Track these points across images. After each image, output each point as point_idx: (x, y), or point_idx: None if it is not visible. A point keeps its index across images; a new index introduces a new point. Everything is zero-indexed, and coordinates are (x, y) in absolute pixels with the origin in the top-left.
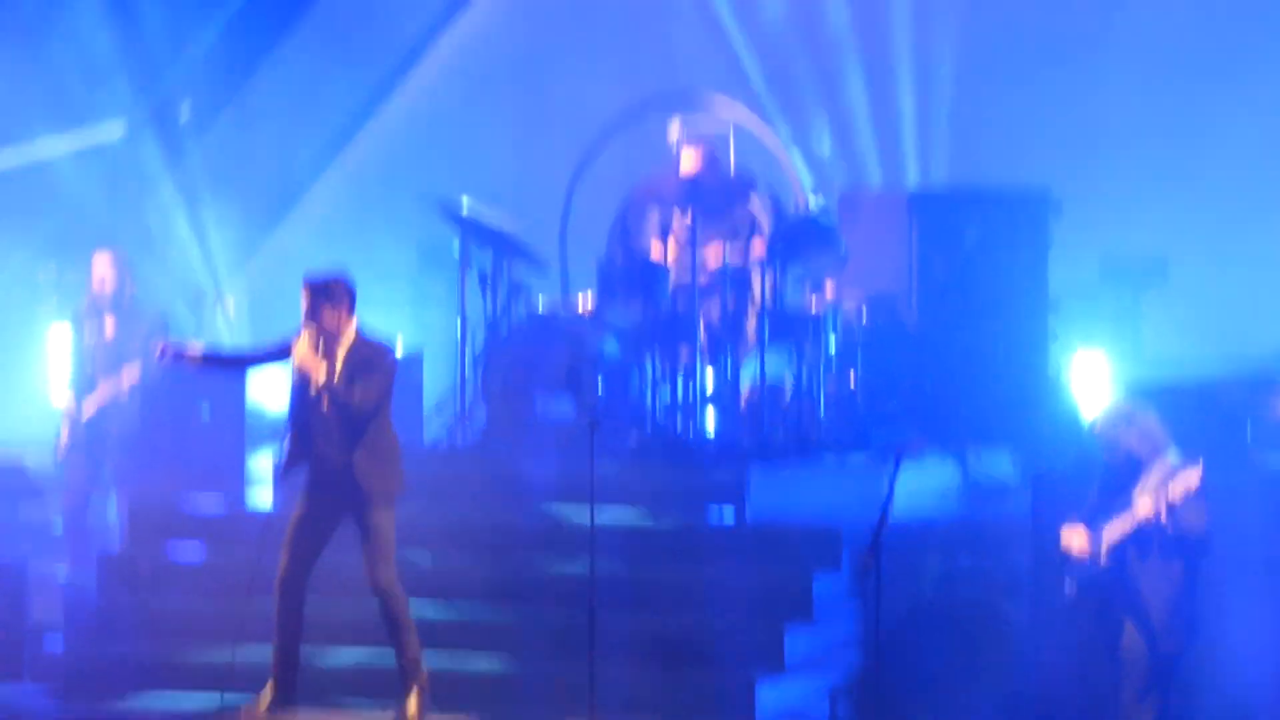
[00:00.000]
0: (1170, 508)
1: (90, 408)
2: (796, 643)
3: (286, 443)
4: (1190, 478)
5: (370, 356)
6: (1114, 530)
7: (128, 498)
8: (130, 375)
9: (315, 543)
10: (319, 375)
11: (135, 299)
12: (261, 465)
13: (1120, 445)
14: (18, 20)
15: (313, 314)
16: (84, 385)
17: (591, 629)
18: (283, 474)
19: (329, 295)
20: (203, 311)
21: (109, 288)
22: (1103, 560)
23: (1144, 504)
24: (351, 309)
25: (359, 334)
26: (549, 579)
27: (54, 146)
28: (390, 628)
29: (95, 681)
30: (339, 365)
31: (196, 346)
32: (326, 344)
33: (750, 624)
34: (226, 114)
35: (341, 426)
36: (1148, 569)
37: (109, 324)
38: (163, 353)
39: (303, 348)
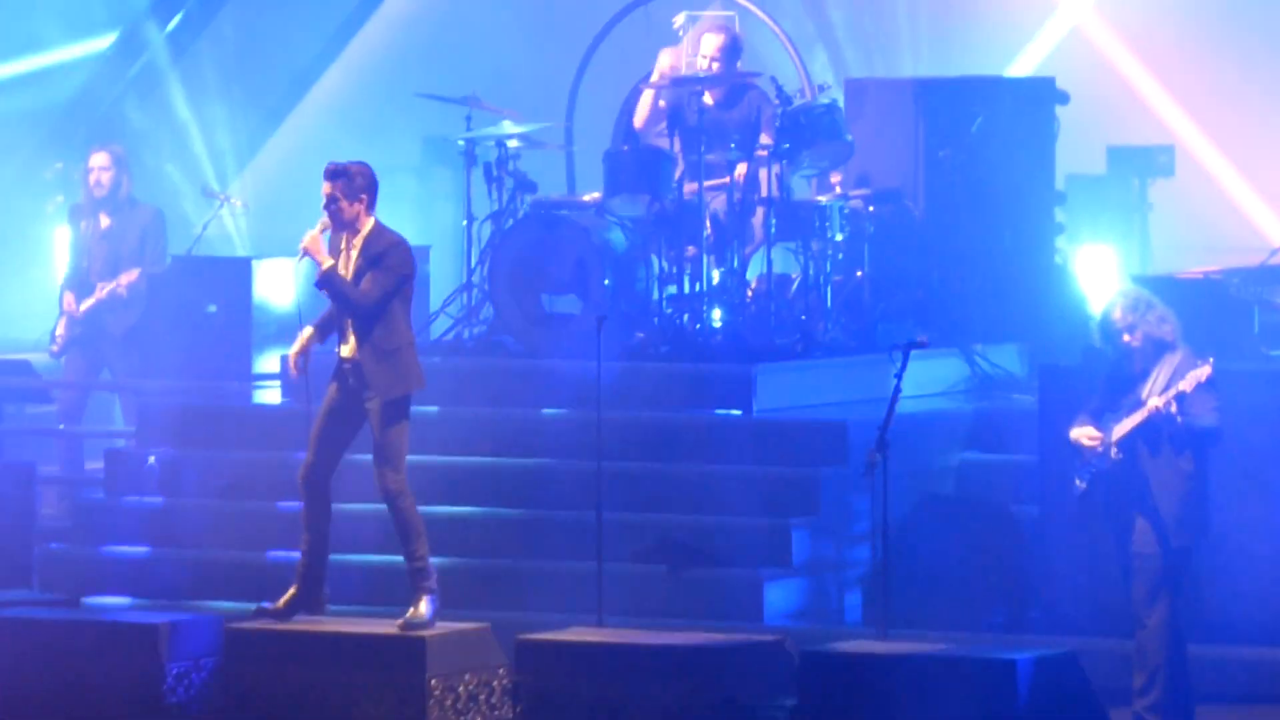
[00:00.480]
0: (1181, 400)
1: (88, 305)
2: (803, 539)
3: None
4: (1202, 370)
5: (381, 251)
6: (1124, 423)
7: (134, 394)
8: (129, 273)
9: (337, 439)
10: (325, 266)
11: (132, 196)
12: (268, 361)
13: (1129, 336)
14: None
15: (329, 202)
16: (81, 283)
17: (599, 527)
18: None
19: (347, 183)
20: (210, 208)
21: (105, 185)
22: (1113, 454)
23: (1155, 397)
24: (371, 200)
25: (376, 226)
26: (556, 476)
27: (60, 45)
28: (400, 533)
29: (102, 584)
30: (353, 258)
31: (308, 332)
32: (347, 236)
33: (757, 521)
34: (230, 6)
35: (352, 322)
36: (1158, 463)
37: (105, 221)
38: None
39: (310, 235)
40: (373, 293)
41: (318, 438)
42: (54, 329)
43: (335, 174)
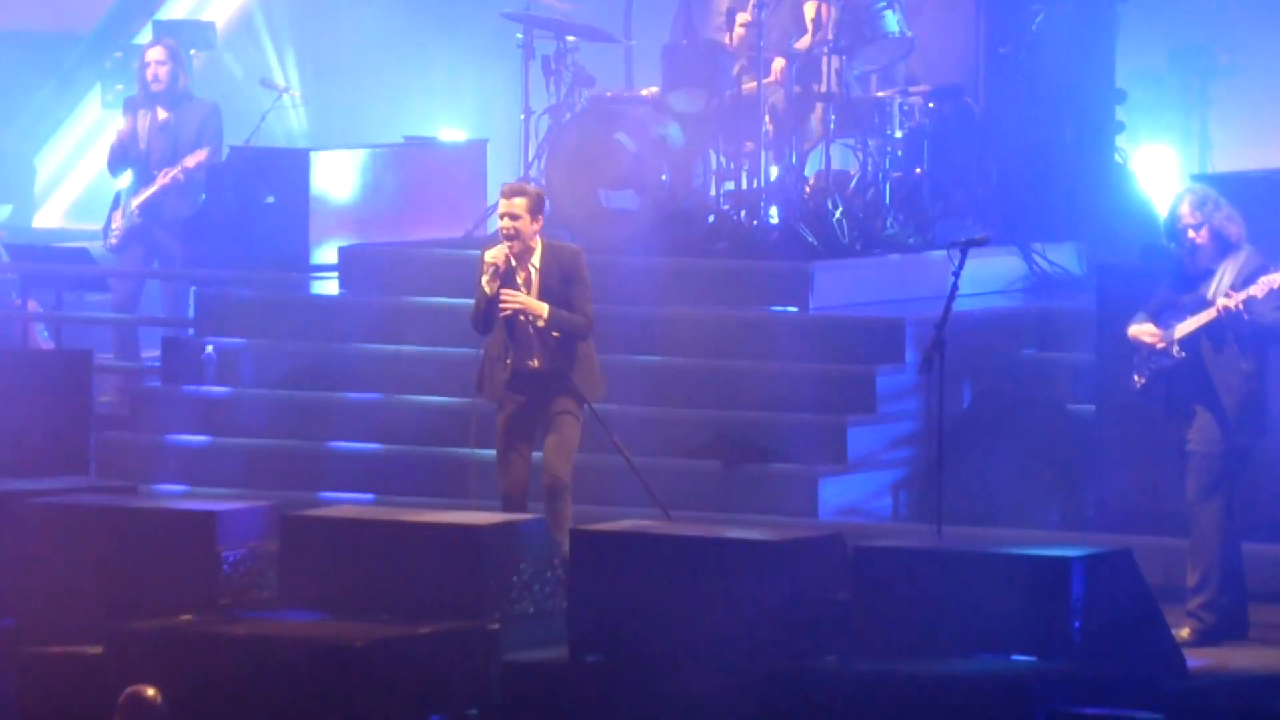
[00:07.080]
0: (1251, 301)
1: (146, 196)
2: (859, 437)
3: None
4: (1275, 277)
5: (571, 264)
6: (1188, 322)
7: (193, 283)
8: (197, 154)
9: (526, 454)
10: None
11: (189, 90)
12: (325, 252)
13: (1196, 233)
14: None
15: (510, 219)
16: (137, 176)
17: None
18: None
19: (530, 202)
20: (270, 99)
21: (162, 79)
22: (1174, 351)
23: (1223, 296)
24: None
25: (547, 242)
26: (608, 369)
27: None
28: (559, 526)
29: (159, 472)
30: (535, 278)
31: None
32: (519, 256)
33: (813, 418)
34: None
35: (553, 339)
36: (1220, 362)
37: (161, 115)
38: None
39: (499, 255)
40: (588, 310)
41: (508, 461)
42: (108, 223)
43: (516, 193)
